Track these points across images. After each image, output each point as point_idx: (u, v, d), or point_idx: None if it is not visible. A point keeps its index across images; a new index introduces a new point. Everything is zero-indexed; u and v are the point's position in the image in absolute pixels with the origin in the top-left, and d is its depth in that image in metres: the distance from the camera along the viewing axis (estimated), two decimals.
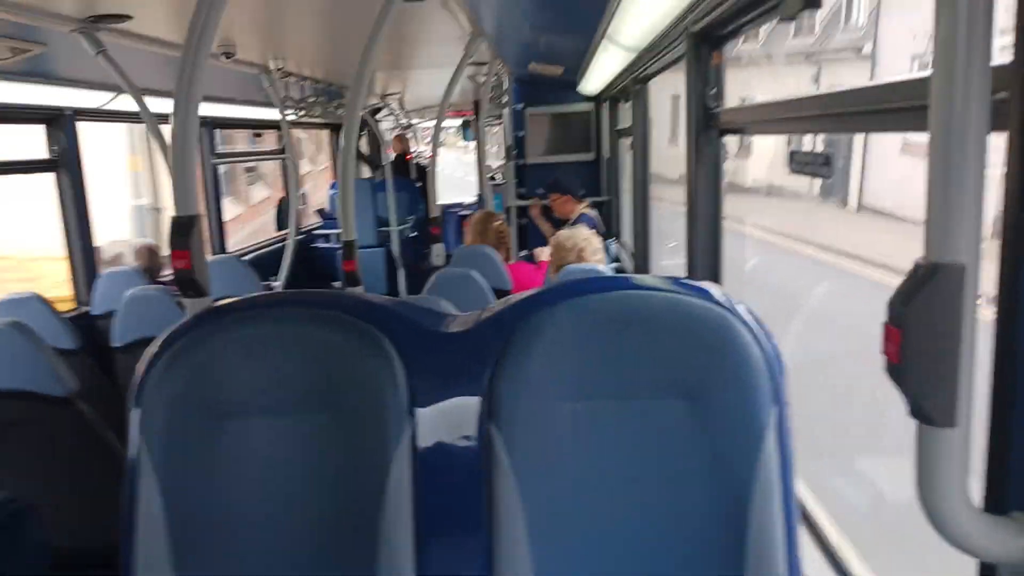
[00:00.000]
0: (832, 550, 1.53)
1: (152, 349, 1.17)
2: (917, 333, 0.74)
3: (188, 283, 1.56)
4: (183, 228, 1.55)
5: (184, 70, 1.55)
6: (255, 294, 1.29)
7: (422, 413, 1.14)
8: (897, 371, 0.76)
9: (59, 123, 3.36)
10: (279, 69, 4.03)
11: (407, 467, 1.12)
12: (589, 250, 2.70)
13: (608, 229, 5.39)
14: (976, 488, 0.81)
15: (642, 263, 3.96)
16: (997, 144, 0.77)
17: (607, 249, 4.21)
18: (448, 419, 1.14)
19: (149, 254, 3.63)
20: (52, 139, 3.40)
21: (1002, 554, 0.77)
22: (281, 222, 6.34)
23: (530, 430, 1.10)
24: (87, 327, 3.19)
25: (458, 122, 8.90)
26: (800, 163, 1.52)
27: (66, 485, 2.08)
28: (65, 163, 3.40)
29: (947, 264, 0.72)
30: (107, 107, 3.52)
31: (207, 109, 4.66)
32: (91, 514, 2.02)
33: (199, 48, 1.55)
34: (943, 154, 0.72)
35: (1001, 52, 0.77)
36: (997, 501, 0.81)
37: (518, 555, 1.09)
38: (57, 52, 2.68)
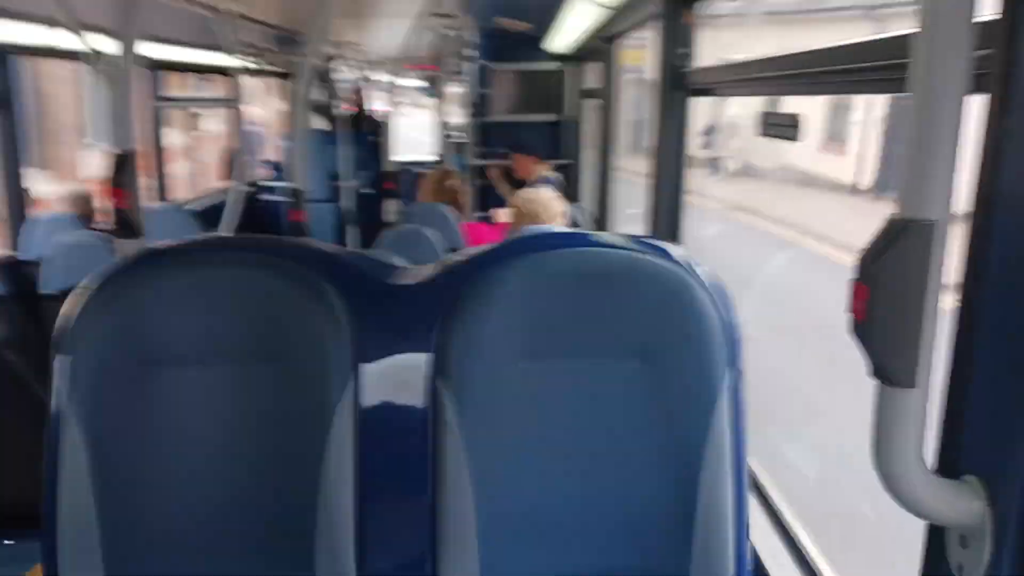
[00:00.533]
0: (779, 515, 1.54)
1: (81, 292, 1.08)
2: (885, 290, 0.74)
3: (126, 224, 1.50)
4: (125, 165, 1.49)
5: (127, 5, 1.48)
6: (193, 238, 1.21)
7: (368, 368, 1.09)
8: (862, 329, 0.76)
9: (3, 60, 3.14)
10: (233, 11, 3.82)
11: (350, 423, 1.07)
12: (551, 212, 2.64)
13: (570, 193, 5.35)
14: (930, 451, 0.81)
15: (601, 227, 3.93)
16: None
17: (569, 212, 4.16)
18: (395, 375, 1.10)
19: (77, 200, 3.44)
20: None
21: (952, 517, 0.78)
22: (230, 172, 6.10)
23: (479, 389, 1.07)
24: (14, 273, 3.03)
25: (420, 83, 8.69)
26: (770, 125, 1.48)
27: None
28: (4, 101, 3.19)
29: (918, 220, 0.72)
30: (49, 44, 3.29)
31: (152, 50, 4.42)
32: (17, 468, 1.93)
33: None
34: (921, 112, 0.71)
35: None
36: (950, 464, 0.81)
37: (463, 515, 1.06)
38: None
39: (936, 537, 0.84)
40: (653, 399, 1.08)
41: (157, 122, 4.74)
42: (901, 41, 0.82)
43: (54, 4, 2.46)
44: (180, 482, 1.09)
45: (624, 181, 3.93)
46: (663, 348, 1.07)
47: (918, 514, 0.79)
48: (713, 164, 12.39)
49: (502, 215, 3.70)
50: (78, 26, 2.70)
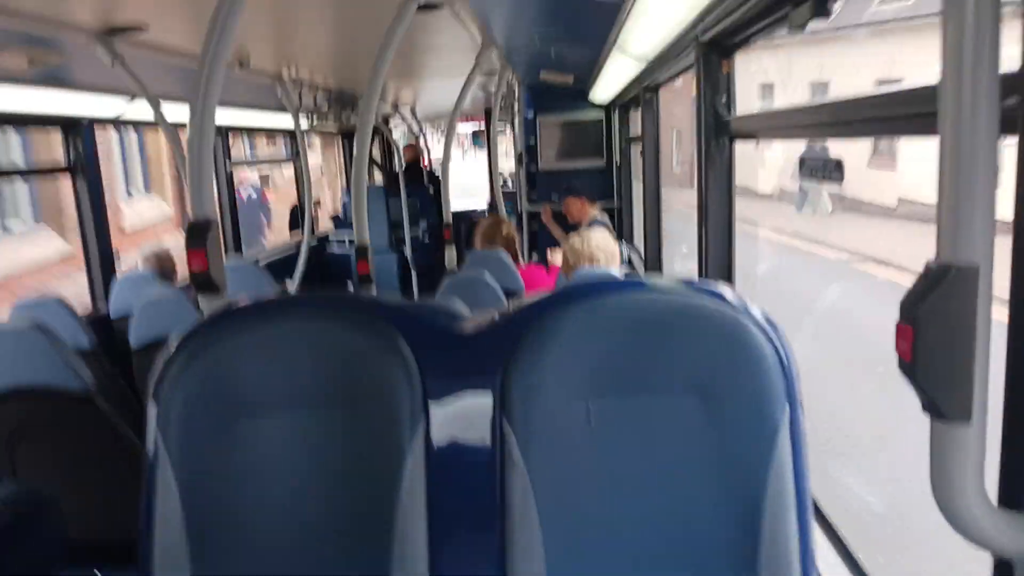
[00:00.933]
0: (847, 549, 1.53)
1: (170, 346, 1.19)
2: (930, 332, 0.74)
3: (205, 283, 1.59)
4: (199, 230, 1.58)
5: (200, 79, 1.59)
6: (271, 295, 1.31)
7: (436, 411, 1.16)
8: (910, 368, 0.77)
9: (77, 130, 3.42)
10: (292, 78, 4.08)
11: (421, 464, 1.13)
12: (603, 254, 2.68)
13: (620, 234, 5.40)
14: (992, 484, 0.81)
15: (655, 266, 3.97)
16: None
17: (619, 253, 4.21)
18: (461, 417, 1.16)
19: (157, 259, 3.67)
20: (70, 146, 3.46)
21: (1018, 549, 0.77)
22: (295, 227, 6.38)
23: (542, 428, 1.11)
24: (105, 329, 3.24)
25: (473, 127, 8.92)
26: (810, 170, 1.53)
27: (85, 480, 2.11)
28: (82, 169, 3.45)
29: (959, 265, 0.73)
30: (125, 115, 3.57)
31: (222, 115, 4.72)
32: (109, 509, 2.05)
33: (215, 57, 1.58)
34: (953, 158, 0.73)
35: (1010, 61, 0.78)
36: (1013, 496, 0.81)
37: (532, 552, 1.10)
38: (75, 61, 2.73)
39: (1004, 569, 0.84)
40: (713, 435, 1.10)
41: (230, 182, 5.01)
42: (932, 90, 0.83)
43: (129, 78, 2.69)
44: (263, 522, 1.16)
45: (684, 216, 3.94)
46: (720, 386, 1.10)
47: (983, 546, 0.79)
48: (804, 197, 10.91)
49: (556, 257, 3.77)
50: (156, 98, 2.94)
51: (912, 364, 0.76)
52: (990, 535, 0.77)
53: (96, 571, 1.98)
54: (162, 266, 3.59)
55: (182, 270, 3.51)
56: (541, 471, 1.11)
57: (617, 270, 2.72)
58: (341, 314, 1.20)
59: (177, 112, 3.23)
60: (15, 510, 1.48)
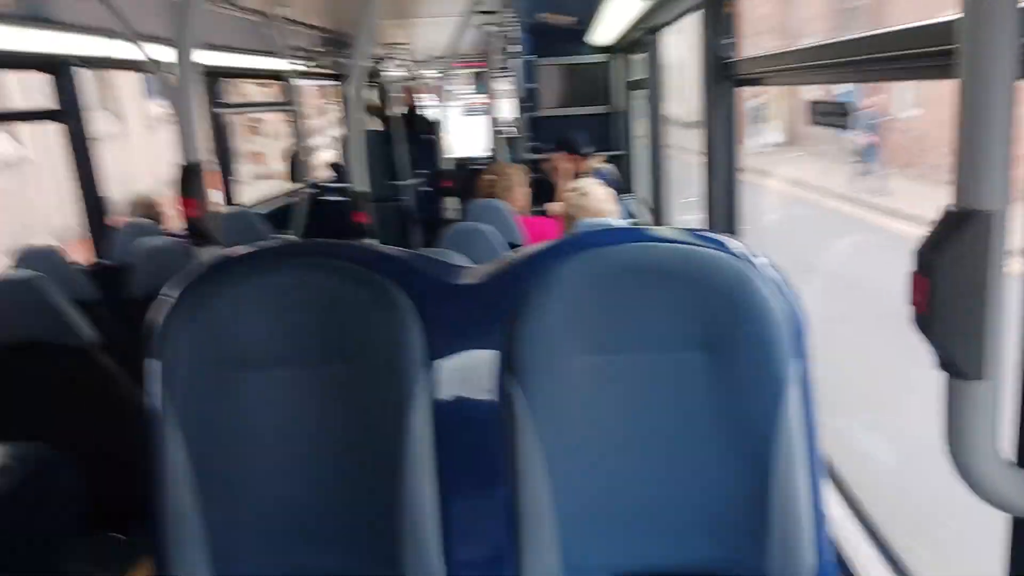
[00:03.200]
0: (857, 506, 1.53)
1: (165, 299, 1.17)
2: (946, 282, 0.72)
3: (199, 232, 1.56)
4: (192, 175, 1.54)
5: (184, 14, 1.52)
6: (268, 244, 1.29)
7: (438, 365, 1.14)
8: (925, 322, 0.75)
9: (66, 71, 3.32)
10: (284, 17, 3.95)
11: (427, 418, 1.13)
12: (602, 205, 2.66)
13: (625, 183, 5.34)
14: (1007, 442, 0.80)
15: (659, 218, 3.92)
16: None
17: (623, 204, 4.16)
18: (464, 371, 1.15)
19: (144, 206, 3.60)
20: (61, 88, 3.36)
21: None
22: (294, 175, 6.29)
23: (547, 383, 1.10)
24: (101, 278, 3.22)
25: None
26: (822, 114, 1.49)
27: (90, 435, 2.12)
28: (70, 112, 3.37)
29: (977, 211, 0.71)
30: (112, 55, 3.46)
31: (211, 58, 4.59)
32: (115, 463, 2.07)
33: None
34: (971, 100, 0.71)
35: None
36: None
37: (540, 508, 1.10)
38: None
39: (1019, 529, 0.83)
40: (720, 390, 1.09)
41: (219, 129, 4.92)
42: (948, 27, 0.80)
43: (112, 16, 2.60)
44: (269, 479, 1.17)
45: (684, 162, 3.86)
46: (726, 339, 1.08)
47: (998, 506, 0.78)
48: (869, 154, 9.54)
49: (555, 208, 3.73)
50: (136, 36, 2.85)
51: (928, 317, 0.74)
52: (1006, 495, 0.76)
53: (119, 536, 2.01)
54: (148, 212, 3.53)
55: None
56: (547, 427, 1.10)
57: (617, 220, 2.69)
58: (341, 266, 1.18)
59: (164, 54, 3.13)
60: (32, 470, 1.49)
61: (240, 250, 1.24)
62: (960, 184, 0.73)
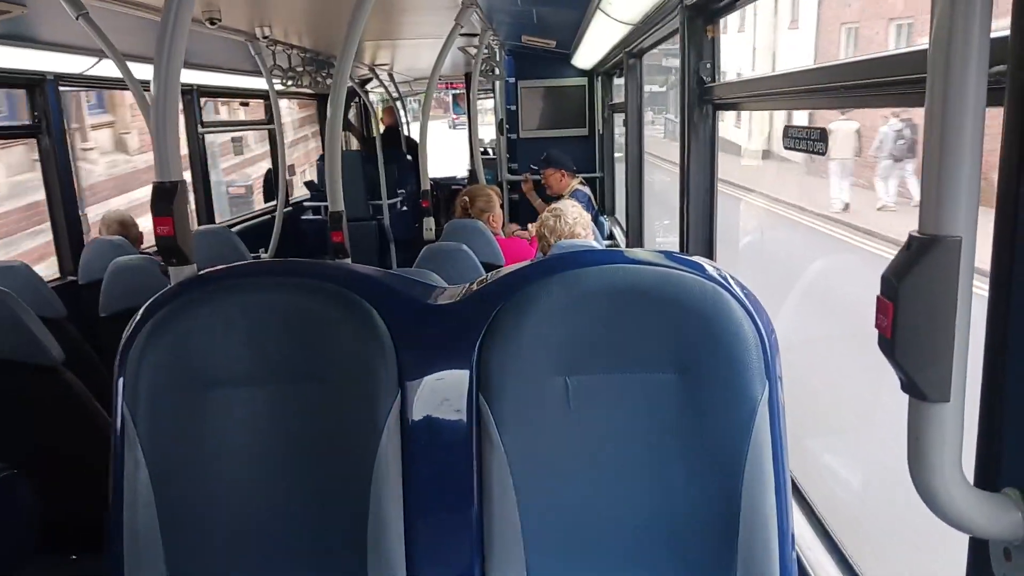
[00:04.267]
0: (823, 524, 1.54)
1: (135, 318, 1.15)
2: (911, 307, 0.73)
3: (171, 251, 1.54)
4: (165, 194, 1.52)
5: (164, 33, 1.51)
6: (241, 263, 1.27)
7: (411, 385, 1.13)
8: (890, 345, 0.75)
9: (41, 88, 3.29)
10: (266, 37, 3.95)
11: (396, 440, 1.11)
12: (580, 228, 2.67)
13: (602, 205, 5.37)
14: (968, 464, 0.80)
15: (636, 240, 3.94)
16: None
17: (601, 226, 4.19)
18: (437, 392, 1.13)
19: (120, 225, 3.55)
20: (34, 105, 3.33)
21: (994, 530, 0.77)
22: (269, 193, 6.26)
23: (520, 404, 1.09)
24: (73, 296, 3.16)
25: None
26: (794, 139, 1.50)
27: (52, 455, 2.06)
28: (47, 129, 3.33)
29: (943, 237, 0.71)
30: (93, 73, 3.44)
31: (193, 77, 4.58)
32: (77, 484, 2.01)
33: (179, 10, 1.50)
34: (939, 126, 0.71)
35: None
36: (990, 477, 0.80)
37: (509, 527, 1.09)
38: (38, 14, 2.61)
39: (979, 550, 0.83)
40: (691, 412, 1.09)
41: (202, 147, 4.89)
42: (922, 55, 0.80)
43: (91, 34, 2.58)
44: (236, 498, 1.14)
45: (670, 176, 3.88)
46: (700, 361, 1.08)
47: (959, 527, 0.78)
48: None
49: (533, 229, 3.74)
50: (121, 56, 2.83)
51: (892, 342, 0.74)
52: (967, 516, 0.76)
53: (73, 556, 1.95)
54: (125, 231, 3.49)
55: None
56: (518, 448, 1.09)
57: (595, 243, 2.70)
58: (313, 285, 1.16)
59: (146, 72, 3.11)
60: None
61: (212, 270, 1.22)
62: (926, 210, 0.73)
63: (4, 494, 1.54)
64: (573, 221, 2.62)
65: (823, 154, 1.45)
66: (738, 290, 1.10)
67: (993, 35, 0.71)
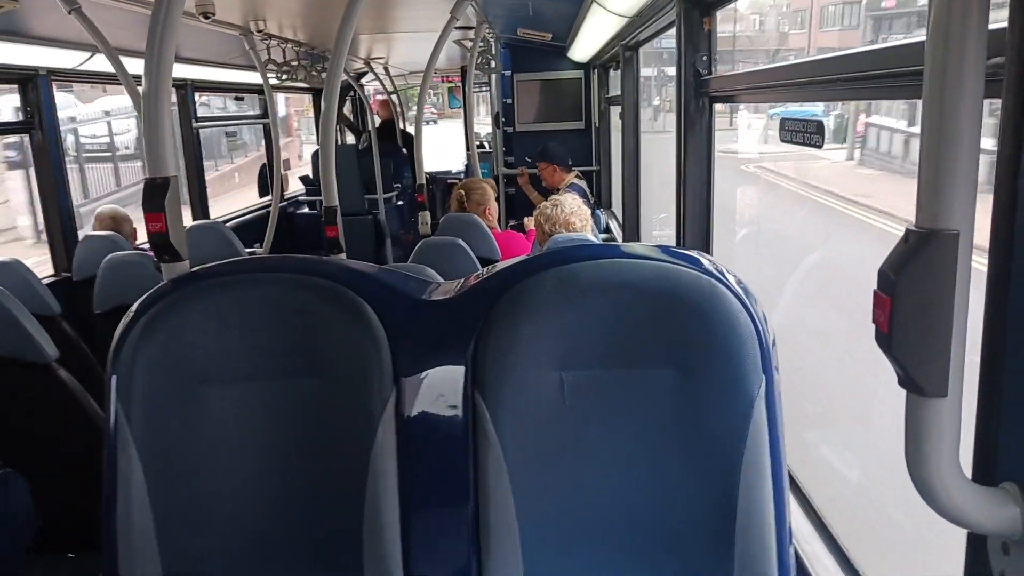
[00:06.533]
0: (821, 518, 1.54)
1: (128, 315, 1.14)
2: (908, 301, 0.72)
3: (164, 247, 1.52)
4: (157, 190, 1.51)
5: (155, 27, 1.49)
6: (234, 259, 1.26)
7: (407, 381, 1.13)
8: (887, 340, 0.75)
9: (33, 84, 3.27)
10: (260, 31, 3.93)
11: (391, 437, 1.11)
12: (577, 219, 2.66)
13: (598, 199, 5.37)
14: (966, 459, 0.80)
15: (632, 234, 3.94)
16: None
17: (597, 219, 4.18)
18: (433, 387, 1.13)
19: (113, 220, 3.53)
20: (26, 100, 3.31)
21: (992, 525, 0.77)
22: (264, 188, 6.25)
23: (515, 399, 1.09)
24: (68, 293, 3.14)
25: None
26: (790, 131, 1.50)
27: (47, 453, 2.06)
28: (40, 124, 3.31)
29: (940, 231, 0.70)
30: (86, 68, 3.42)
31: (187, 72, 4.55)
32: (72, 482, 2.01)
33: (171, 4, 1.49)
34: (937, 119, 0.70)
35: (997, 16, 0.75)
36: (987, 472, 0.80)
37: (505, 527, 1.09)
38: (30, 9, 2.59)
39: (977, 545, 0.83)
40: (688, 407, 1.09)
41: (197, 143, 4.87)
42: (919, 47, 0.80)
43: (84, 28, 2.56)
44: (231, 495, 1.14)
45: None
46: (696, 357, 1.08)
47: (957, 522, 0.78)
48: None
49: (531, 223, 3.74)
50: (114, 51, 2.81)
51: (889, 336, 0.74)
52: (965, 511, 0.76)
53: (70, 555, 1.95)
54: (117, 227, 3.47)
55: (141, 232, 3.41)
56: (514, 444, 1.09)
57: (592, 236, 2.70)
58: (307, 281, 1.16)
59: (140, 67, 3.09)
60: None
61: (206, 267, 1.21)
62: (924, 204, 0.72)
63: (0, 493, 1.53)
64: (570, 211, 2.62)
65: (820, 147, 1.44)
66: (735, 284, 1.10)
67: (991, 27, 0.70)
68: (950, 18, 0.69)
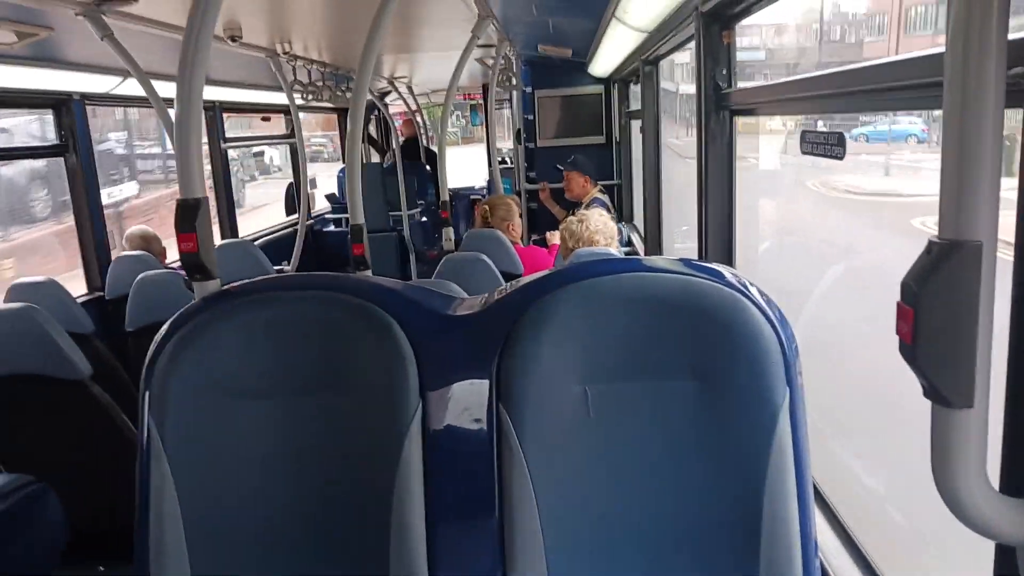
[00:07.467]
0: (847, 531, 1.52)
1: (161, 333, 1.17)
2: (932, 313, 0.72)
3: (196, 266, 1.56)
4: (189, 211, 1.55)
5: (186, 51, 1.54)
6: (263, 277, 1.29)
7: (432, 396, 1.14)
8: (911, 352, 0.74)
9: (67, 108, 3.37)
10: (286, 52, 4.02)
11: (418, 451, 1.12)
12: (602, 237, 2.66)
13: (619, 213, 5.37)
14: (994, 470, 0.79)
15: (654, 247, 3.93)
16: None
17: (619, 232, 4.19)
18: (458, 402, 1.14)
19: (143, 240, 3.61)
20: (60, 124, 3.41)
21: (1021, 536, 0.76)
22: (291, 207, 6.34)
23: (540, 412, 1.10)
24: (101, 311, 3.22)
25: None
26: (812, 143, 1.50)
27: (80, 468, 2.10)
28: (74, 148, 3.41)
29: (964, 242, 0.70)
30: (117, 92, 3.52)
31: (215, 93, 4.66)
32: (104, 496, 2.05)
33: (201, 29, 1.53)
34: (958, 130, 0.70)
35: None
36: (1015, 483, 0.79)
37: (530, 540, 1.09)
38: (64, 36, 2.67)
39: (1006, 557, 0.82)
40: (712, 419, 1.09)
41: (225, 163, 4.97)
42: (939, 58, 0.80)
43: (115, 53, 2.64)
44: (261, 509, 1.16)
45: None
46: (720, 369, 1.08)
47: (985, 534, 0.77)
48: None
49: (555, 237, 3.75)
50: (146, 75, 2.89)
51: (913, 347, 0.74)
52: (993, 523, 0.76)
53: (100, 568, 1.98)
54: (147, 246, 3.55)
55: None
56: (539, 457, 1.09)
57: (617, 251, 2.70)
58: (334, 298, 1.18)
59: (170, 90, 3.17)
60: (14, 501, 1.46)
61: (236, 285, 1.24)
62: (946, 215, 0.72)
63: (33, 506, 1.57)
64: (595, 228, 2.62)
65: (841, 158, 1.44)
66: (758, 296, 1.09)
67: (1011, 36, 0.71)
68: (969, 28, 0.69)
